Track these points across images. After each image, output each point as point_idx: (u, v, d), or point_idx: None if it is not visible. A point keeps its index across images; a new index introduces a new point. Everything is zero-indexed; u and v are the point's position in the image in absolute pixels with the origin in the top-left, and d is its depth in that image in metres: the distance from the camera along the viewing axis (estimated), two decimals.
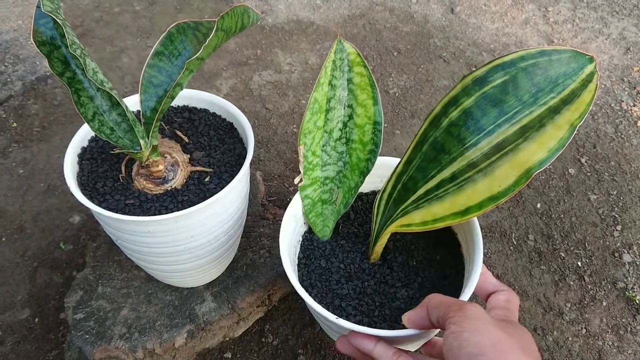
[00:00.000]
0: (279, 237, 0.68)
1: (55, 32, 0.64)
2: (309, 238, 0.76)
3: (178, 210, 0.68)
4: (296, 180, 0.72)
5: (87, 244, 1.06)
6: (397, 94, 1.40)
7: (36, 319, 0.96)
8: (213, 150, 0.78)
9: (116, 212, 0.66)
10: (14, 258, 1.04)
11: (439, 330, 0.58)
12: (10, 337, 0.94)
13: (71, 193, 0.67)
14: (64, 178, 0.70)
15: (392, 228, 0.67)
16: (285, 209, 1.00)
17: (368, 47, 1.54)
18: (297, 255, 0.74)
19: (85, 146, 0.77)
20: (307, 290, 0.64)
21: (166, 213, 0.69)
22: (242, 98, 1.38)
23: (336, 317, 0.59)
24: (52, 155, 1.23)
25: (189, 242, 0.71)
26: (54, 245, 1.06)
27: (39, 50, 0.63)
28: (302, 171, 0.72)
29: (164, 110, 0.65)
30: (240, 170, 0.71)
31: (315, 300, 0.62)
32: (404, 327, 0.57)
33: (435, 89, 1.42)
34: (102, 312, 0.85)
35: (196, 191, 0.72)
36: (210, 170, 0.75)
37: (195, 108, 0.83)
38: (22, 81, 1.38)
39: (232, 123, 0.82)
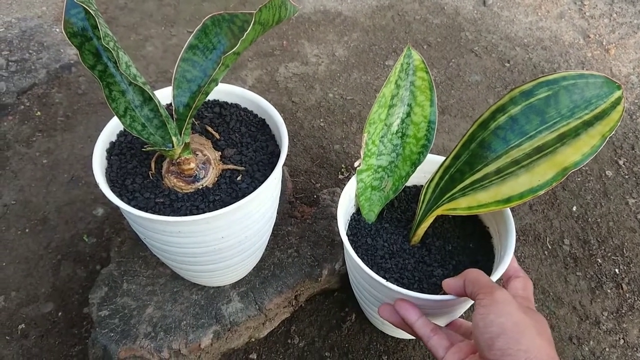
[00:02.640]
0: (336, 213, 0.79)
1: (87, 22, 0.61)
2: (356, 219, 0.84)
3: (209, 210, 0.66)
4: (356, 164, 0.80)
5: (111, 237, 1.04)
6: None
7: (59, 313, 0.95)
8: (245, 147, 0.75)
9: (146, 211, 0.64)
10: (37, 250, 1.03)
11: (470, 304, 0.71)
12: (34, 330, 0.92)
13: (95, 185, 0.65)
14: (91, 172, 0.68)
15: (439, 211, 0.77)
16: (313, 206, 0.98)
17: (397, 39, 1.50)
18: (345, 232, 0.81)
19: (113, 141, 0.75)
20: None
21: (197, 213, 0.66)
22: (267, 90, 1.35)
23: (386, 280, 0.69)
24: (76, 146, 1.21)
25: (219, 242, 0.69)
26: (77, 238, 1.05)
27: (69, 42, 0.60)
28: (362, 156, 0.80)
29: (198, 106, 0.63)
30: (274, 170, 0.68)
31: None
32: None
33: (467, 85, 1.37)
34: (127, 309, 0.84)
35: (228, 190, 0.69)
36: (242, 168, 0.72)
37: (226, 103, 0.80)
38: (46, 69, 1.36)
39: (264, 119, 0.79)
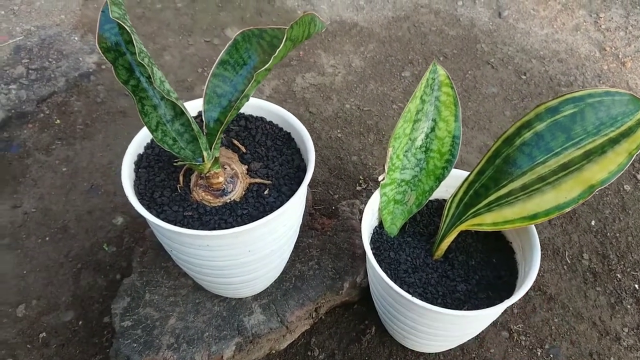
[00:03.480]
0: (360, 225, 0.80)
1: (121, 38, 0.62)
2: (379, 232, 0.85)
3: (237, 224, 0.67)
4: (380, 178, 0.81)
5: (131, 246, 1.05)
6: None
7: (80, 322, 0.95)
8: (271, 161, 0.75)
9: (174, 224, 0.64)
10: (57, 258, 1.03)
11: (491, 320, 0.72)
12: (55, 339, 0.93)
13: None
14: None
15: (463, 227, 0.77)
16: (333, 218, 0.98)
17: (413, 50, 1.51)
18: (369, 245, 0.81)
19: (141, 153, 0.75)
20: None
21: (225, 226, 0.67)
22: (284, 100, 1.36)
23: (410, 295, 0.70)
24: (95, 154, 1.22)
25: (246, 256, 0.69)
26: (97, 247, 1.05)
27: (104, 57, 0.61)
28: (386, 170, 0.81)
29: (229, 121, 0.63)
30: (301, 185, 0.69)
31: None
32: None
33: (484, 97, 1.38)
34: (150, 320, 0.84)
35: (255, 204, 0.70)
36: (269, 182, 0.72)
37: (251, 116, 0.81)
38: (66, 77, 1.37)
39: (289, 133, 0.79)
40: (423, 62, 1.47)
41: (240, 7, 1.63)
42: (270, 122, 0.80)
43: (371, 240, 0.84)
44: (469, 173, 0.80)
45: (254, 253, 0.69)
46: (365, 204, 1.12)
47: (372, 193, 1.15)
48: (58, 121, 1.28)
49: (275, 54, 0.60)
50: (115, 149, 1.23)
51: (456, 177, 0.84)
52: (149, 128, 0.63)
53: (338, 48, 1.51)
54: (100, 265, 1.03)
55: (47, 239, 1.06)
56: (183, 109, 0.61)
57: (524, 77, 1.44)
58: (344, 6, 1.65)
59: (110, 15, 0.56)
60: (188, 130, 0.65)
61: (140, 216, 1.10)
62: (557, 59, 1.50)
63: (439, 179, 0.82)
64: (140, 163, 0.74)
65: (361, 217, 1.03)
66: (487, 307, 0.75)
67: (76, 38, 1.49)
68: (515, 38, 1.56)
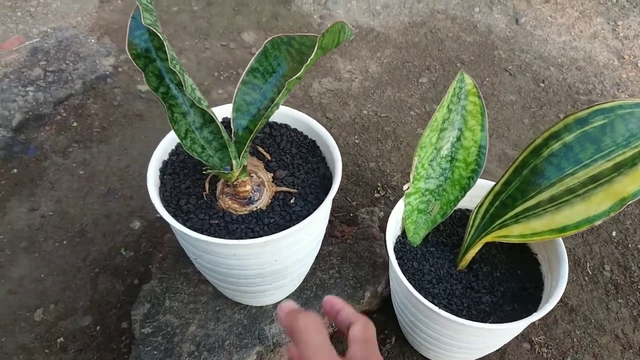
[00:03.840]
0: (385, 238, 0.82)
1: (151, 44, 0.61)
2: (401, 242, 0.85)
3: (264, 233, 0.66)
4: (405, 187, 0.80)
5: (149, 251, 1.04)
6: None
7: (98, 327, 0.95)
8: (296, 169, 0.75)
9: (201, 232, 0.64)
10: (75, 262, 1.03)
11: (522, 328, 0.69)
12: (73, 344, 0.92)
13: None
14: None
15: (489, 238, 0.76)
16: (352, 226, 0.98)
17: (430, 56, 1.50)
18: (394, 256, 0.80)
19: (166, 160, 0.75)
20: None
21: (252, 235, 0.66)
22: (301, 105, 1.35)
23: (436, 306, 0.69)
24: (112, 157, 1.21)
25: (271, 265, 0.69)
26: (115, 251, 1.05)
27: (134, 64, 0.60)
28: (411, 180, 0.80)
29: (259, 130, 0.63)
30: (329, 195, 0.68)
31: None
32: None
33: (502, 104, 1.37)
34: (170, 327, 0.83)
35: (282, 213, 0.69)
36: (295, 191, 0.72)
37: (275, 123, 0.80)
38: (82, 80, 1.37)
39: (314, 141, 0.79)
40: (440, 68, 1.46)
41: (257, 10, 1.63)
42: (294, 130, 0.80)
43: (394, 249, 0.83)
44: (494, 183, 0.79)
45: (280, 262, 0.69)
46: (384, 212, 1.12)
47: (390, 200, 1.15)
48: (75, 124, 1.28)
49: (307, 62, 0.59)
50: (132, 153, 1.23)
51: (481, 186, 0.83)
52: (179, 135, 0.62)
53: (355, 53, 1.51)
54: (118, 269, 1.02)
55: (64, 242, 1.06)
56: (213, 117, 0.60)
57: (542, 84, 1.43)
58: (360, 11, 1.64)
59: (143, 22, 0.55)
60: (217, 138, 0.64)
61: (158, 221, 1.10)
62: (575, 67, 1.48)
63: (465, 189, 0.81)
64: (165, 170, 0.73)
65: (380, 225, 1.03)
66: (513, 319, 0.75)
67: (92, 40, 1.49)
68: (532, 45, 1.55)
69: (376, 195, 1.15)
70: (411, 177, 0.80)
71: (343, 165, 1.21)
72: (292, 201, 0.70)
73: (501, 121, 1.32)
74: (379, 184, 1.17)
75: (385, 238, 0.79)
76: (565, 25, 1.62)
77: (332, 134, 1.27)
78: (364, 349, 0.43)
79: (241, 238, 0.65)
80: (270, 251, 0.66)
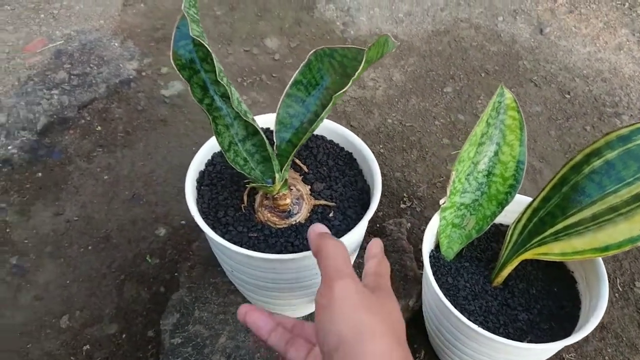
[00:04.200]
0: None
1: (195, 55, 0.60)
2: (435, 256, 0.83)
3: (304, 247, 0.65)
4: (441, 202, 0.79)
5: (175, 259, 1.04)
6: None
7: (124, 335, 0.94)
8: (334, 182, 0.74)
9: (240, 245, 0.63)
10: (100, 268, 1.02)
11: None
12: (99, 352, 0.92)
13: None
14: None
15: (528, 255, 0.75)
16: (380, 237, 0.97)
17: (454, 66, 1.49)
18: (431, 272, 0.80)
19: (202, 170, 0.74)
20: None
21: (292, 249, 0.65)
22: None
23: (477, 326, 0.68)
24: (136, 163, 1.21)
25: (310, 279, 0.68)
26: (140, 258, 1.04)
27: (180, 75, 0.60)
28: (447, 194, 0.79)
29: (302, 144, 0.62)
30: (369, 210, 0.67)
31: None
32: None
33: (527, 115, 1.35)
34: (200, 338, 0.82)
35: None
36: (334, 204, 0.71)
37: (312, 134, 0.79)
38: (107, 84, 1.37)
39: (351, 153, 0.78)
40: (465, 77, 1.45)
41: (279, 17, 1.62)
42: (330, 141, 0.79)
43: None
44: (531, 199, 0.78)
45: (319, 276, 0.68)
46: (411, 223, 1.11)
47: (417, 211, 1.14)
48: (99, 128, 1.28)
49: (354, 76, 0.59)
50: (156, 158, 1.22)
51: (515, 202, 0.82)
52: (222, 148, 0.61)
53: (378, 61, 1.50)
54: (144, 277, 1.02)
55: (89, 248, 1.05)
56: (258, 130, 0.59)
57: (568, 96, 1.41)
58: (383, 19, 1.64)
59: (191, 34, 0.54)
60: (259, 151, 0.63)
61: (183, 228, 1.09)
62: (600, 79, 1.47)
63: (502, 205, 0.80)
64: (202, 181, 0.72)
65: (408, 236, 1.02)
66: (551, 338, 0.73)
67: (116, 44, 1.49)
68: (557, 56, 1.54)
69: (402, 206, 1.14)
70: (448, 191, 0.79)
71: None
72: (330, 215, 0.69)
73: (528, 133, 1.31)
74: (405, 195, 1.16)
75: (422, 253, 0.78)
76: (589, 36, 1.61)
77: None
78: (376, 280, 0.50)
79: (281, 252, 0.64)
80: (309, 265, 0.65)
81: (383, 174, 1.20)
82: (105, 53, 1.46)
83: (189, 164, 0.71)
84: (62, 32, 1.52)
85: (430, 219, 0.81)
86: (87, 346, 0.92)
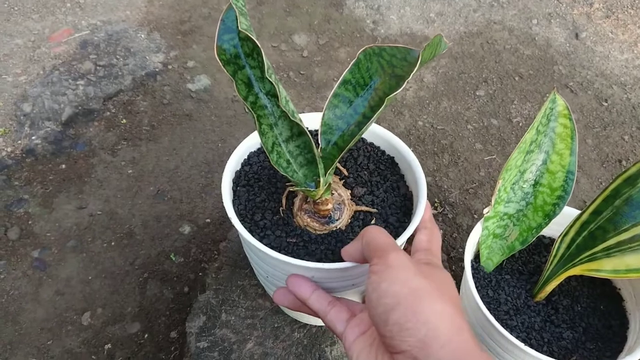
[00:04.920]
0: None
1: (240, 50, 0.57)
2: (474, 267, 0.79)
3: None
4: (485, 211, 0.76)
5: (199, 258, 1.01)
6: (521, 124, 1.30)
7: (146, 335, 0.91)
8: (375, 187, 0.70)
9: (279, 251, 0.60)
10: (123, 265, 1.00)
11: None
12: (121, 351, 0.89)
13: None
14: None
15: (576, 271, 0.71)
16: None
17: (487, 69, 1.45)
18: (474, 283, 0.77)
19: (238, 170, 0.71)
20: None
21: (332, 257, 0.62)
22: None
23: (524, 344, 0.64)
24: (161, 157, 1.18)
25: (348, 289, 0.64)
26: (163, 256, 1.02)
27: (225, 70, 0.56)
28: (492, 203, 0.76)
29: (350, 147, 0.58)
30: (414, 219, 0.64)
31: None
32: None
33: None
34: (227, 342, 0.80)
35: None
36: (375, 211, 0.67)
37: None
38: (132, 76, 1.35)
39: (392, 157, 0.74)
40: (498, 81, 1.41)
41: (308, 13, 1.59)
42: (371, 144, 0.75)
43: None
44: (580, 212, 0.74)
45: (357, 286, 0.65)
46: (442, 230, 1.07)
47: (449, 218, 1.10)
48: (124, 121, 1.26)
49: (409, 77, 0.55)
50: (181, 154, 1.20)
51: (562, 214, 0.78)
52: (266, 149, 0.58)
53: None
54: (167, 275, 0.99)
55: (112, 243, 1.03)
56: (305, 130, 0.56)
57: (605, 103, 1.37)
58: (414, 18, 1.60)
59: (240, 27, 0.51)
60: (303, 153, 0.60)
61: (207, 227, 1.06)
62: (639, 87, 1.42)
63: (549, 216, 0.76)
64: (239, 181, 0.69)
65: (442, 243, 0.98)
66: (597, 359, 0.70)
67: (142, 35, 1.47)
68: (593, 61, 1.49)
69: (433, 212, 1.11)
70: (493, 200, 0.76)
71: None
72: (372, 222, 0.66)
73: (629, 166, 1.27)
74: (436, 200, 1.12)
75: (464, 263, 0.74)
76: (627, 43, 1.56)
77: None
78: (427, 257, 0.50)
79: (321, 260, 0.61)
80: (350, 275, 0.62)
81: None
82: (132, 44, 1.43)
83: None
84: (88, 22, 1.50)
85: (462, 226, 0.78)
86: (109, 345, 0.90)
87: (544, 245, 0.84)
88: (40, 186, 1.11)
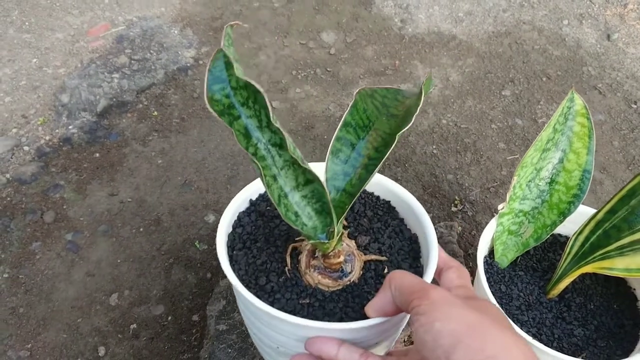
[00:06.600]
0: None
1: (234, 99, 0.49)
2: (488, 262, 0.81)
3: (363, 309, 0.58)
4: (500, 207, 0.77)
5: None
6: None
7: (169, 317, 0.96)
8: (378, 234, 0.65)
9: (294, 315, 0.53)
10: (150, 250, 1.04)
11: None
12: (145, 332, 0.93)
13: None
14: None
15: (588, 268, 0.72)
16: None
17: (514, 69, 1.44)
18: (486, 278, 0.78)
19: (230, 233, 0.64)
20: None
21: (354, 315, 0.55)
22: None
23: (532, 338, 0.66)
24: (189, 149, 1.23)
25: (372, 348, 0.59)
26: (189, 243, 1.06)
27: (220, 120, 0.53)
28: (507, 200, 0.77)
29: (359, 193, 0.56)
30: (431, 260, 0.57)
31: None
32: None
33: None
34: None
35: (377, 286, 0.59)
36: (385, 258, 0.63)
37: None
38: (165, 70, 1.39)
39: (389, 201, 0.69)
40: (525, 81, 1.41)
41: (337, 11, 1.61)
42: (364, 190, 0.71)
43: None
44: (596, 211, 0.74)
45: (380, 343, 0.58)
46: (462, 227, 1.08)
47: (468, 215, 1.11)
48: (155, 113, 1.30)
49: (416, 111, 0.53)
50: (209, 146, 1.24)
51: (578, 212, 0.78)
52: (273, 201, 0.55)
53: (435, 60, 1.47)
54: (191, 262, 1.03)
55: (141, 229, 1.08)
56: (313, 178, 0.54)
57: (634, 106, 1.35)
58: (442, 17, 1.60)
59: (236, 73, 0.45)
60: (310, 203, 0.56)
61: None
62: None
63: (564, 214, 0.77)
64: (234, 245, 0.63)
65: (458, 240, 1.00)
66: (608, 357, 0.70)
67: (176, 31, 1.51)
68: (624, 63, 1.47)
69: (453, 209, 1.12)
70: (507, 196, 0.77)
71: (419, 175, 1.18)
72: (385, 271, 0.63)
73: None
74: (456, 198, 1.13)
75: (476, 258, 0.75)
76: None
77: (409, 142, 1.25)
78: (466, 292, 0.47)
79: (343, 319, 0.56)
80: (376, 332, 0.57)
81: (435, 175, 1.18)
82: (165, 40, 1.48)
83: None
84: (124, 18, 1.55)
85: (482, 224, 0.78)
86: (134, 325, 0.94)
87: (559, 243, 0.84)
88: (75, 173, 1.16)
